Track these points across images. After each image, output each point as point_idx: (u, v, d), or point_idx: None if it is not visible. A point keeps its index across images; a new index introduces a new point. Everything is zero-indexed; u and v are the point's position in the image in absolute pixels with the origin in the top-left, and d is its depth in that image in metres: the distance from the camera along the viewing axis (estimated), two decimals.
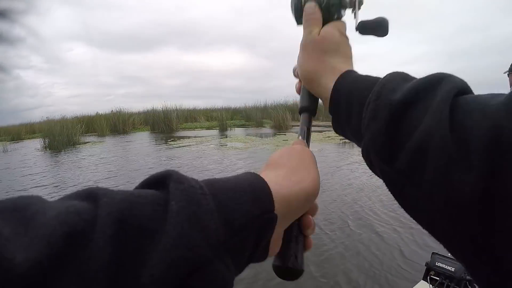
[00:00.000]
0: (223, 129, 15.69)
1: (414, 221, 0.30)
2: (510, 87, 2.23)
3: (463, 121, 0.25)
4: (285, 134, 12.18)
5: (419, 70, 39.04)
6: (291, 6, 0.50)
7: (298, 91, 0.49)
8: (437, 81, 0.30)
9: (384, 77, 0.35)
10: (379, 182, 0.34)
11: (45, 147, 11.62)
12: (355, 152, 7.16)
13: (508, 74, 2.25)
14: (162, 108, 17.16)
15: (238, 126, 18.13)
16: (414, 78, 0.34)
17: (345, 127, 0.38)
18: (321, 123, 19.96)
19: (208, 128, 17.58)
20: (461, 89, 0.28)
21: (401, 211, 0.30)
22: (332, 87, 0.40)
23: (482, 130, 0.23)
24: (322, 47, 0.44)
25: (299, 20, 0.49)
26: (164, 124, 16.49)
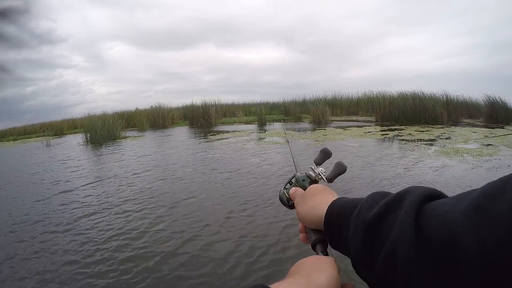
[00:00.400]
0: (262, 124, 15.58)
1: None
2: None
3: (425, 228, 0.30)
4: (324, 129, 11.79)
5: (459, 63, 36.36)
6: (281, 201, 0.68)
7: (303, 230, 0.58)
8: (404, 194, 0.35)
9: (365, 198, 0.42)
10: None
11: (87, 141, 12.25)
12: (394, 148, 6.70)
13: None
14: (201, 103, 17.32)
15: (277, 121, 17.94)
16: (391, 193, 0.39)
17: (339, 243, 0.45)
18: (360, 118, 19.34)
19: (247, 122, 17.60)
20: (428, 196, 0.33)
21: None
22: (325, 214, 0.48)
23: (440, 237, 0.28)
24: (312, 193, 0.55)
25: (291, 207, 0.65)
26: (203, 119, 16.75)
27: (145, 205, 3.79)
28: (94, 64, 45.56)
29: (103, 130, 12.23)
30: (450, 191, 3.69)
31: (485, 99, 16.88)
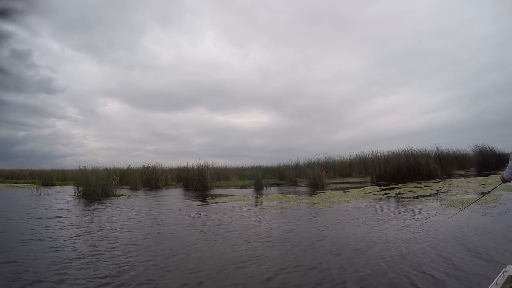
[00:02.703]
0: (258, 188, 15.74)
1: None
2: None
3: None
4: (324, 192, 12.06)
5: (442, 117, 38.74)
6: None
7: None
8: None
9: None
10: None
11: (79, 195, 11.94)
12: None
13: None
14: (196, 166, 17.59)
15: (272, 185, 18.20)
16: None
17: None
18: (354, 179, 19.83)
19: (242, 186, 17.77)
20: None
21: None
22: None
23: None
24: None
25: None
26: (199, 182, 16.87)
27: None
28: (88, 118, 45.77)
29: (97, 186, 11.95)
30: (471, 237, 3.95)
31: (474, 149, 18.00)
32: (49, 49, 39.37)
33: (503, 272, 2.30)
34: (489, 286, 2.15)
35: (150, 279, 3.24)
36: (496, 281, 2.18)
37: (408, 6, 40.17)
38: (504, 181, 2.64)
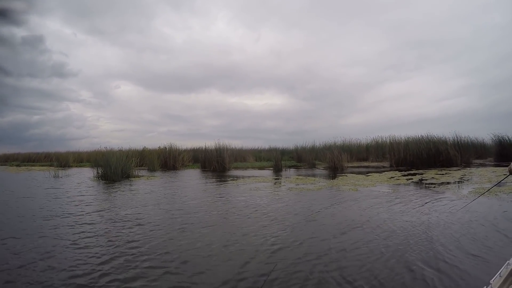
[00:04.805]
0: (278, 169, 16.31)
1: None
2: None
3: None
4: (346, 175, 12.56)
5: (456, 105, 38.63)
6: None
7: None
8: None
9: None
10: None
11: (99, 177, 12.37)
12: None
13: None
14: (215, 147, 18.11)
15: (290, 167, 18.77)
16: None
17: None
18: (372, 164, 20.29)
19: (260, 168, 18.39)
20: None
21: None
22: None
23: None
24: None
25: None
26: (217, 163, 17.47)
27: None
28: (101, 101, 46.72)
29: (117, 167, 12.26)
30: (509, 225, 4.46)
31: (493, 138, 18.26)
32: (61, 34, 40.20)
33: (507, 265, 2.32)
34: (492, 278, 2.18)
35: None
36: (499, 273, 2.21)
37: None
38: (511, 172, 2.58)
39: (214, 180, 12.26)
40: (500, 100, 36.68)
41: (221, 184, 10.77)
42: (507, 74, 35.84)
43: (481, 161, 18.41)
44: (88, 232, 4.67)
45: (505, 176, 2.80)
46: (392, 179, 11.00)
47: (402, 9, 39.74)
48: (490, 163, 16.96)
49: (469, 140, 19.07)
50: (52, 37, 41.92)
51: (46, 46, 39.16)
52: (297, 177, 12.59)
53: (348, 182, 10.22)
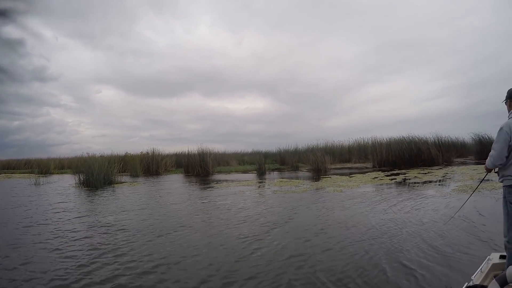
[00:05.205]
0: (261, 173, 16.12)
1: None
2: (508, 113, 2.50)
3: None
4: (330, 177, 12.46)
5: (438, 106, 39.64)
6: None
7: None
8: None
9: None
10: None
11: (80, 184, 11.94)
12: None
13: (505, 103, 2.54)
14: (198, 151, 17.80)
15: (273, 170, 18.61)
16: None
17: None
18: (355, 165, 20.35)
19: (244, 171, 18.14)
20: None
21: None
22: None
23: None
24: None
25: None
26: (200, 167, 17.14)
27: None
28: (82, 106, 45.50)
29: (100, 173, 11.94)
30: (493, 220, 4.38)
31: (473, 137, 18.66)
32: (42, 37, 38.53)
33: (487, 260, 2.39)
34: (474, 274, 2.23)
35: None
36: (481, 269, 2.27)
37: None
38: (488, 170, 2.63)
39: (198, 184, 11.96)
40: (478, 101, 37.83)
41: (205, 188, 10.48)
42: (485, 76, 37.06)
43: (462, 160, 18.77)
44: (70, 238, 4.57)
45: (486, 174, 2.74)
46: (376, 179, 10.97)
47: (383, 13, 40.62)
48: (471, 161, 17.29)
49: (449, 139, 19.46)
50: (33, 40, 40.46)
51: (26, 49, 37.80)
52: (281, 180, 12.38)
53: (333, 184, 10.11)
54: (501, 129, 2.43)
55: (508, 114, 2.53)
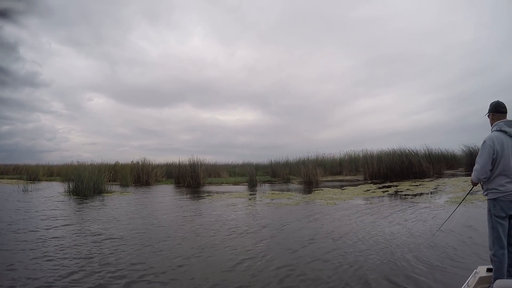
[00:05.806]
0: (252, 185, 15.96)
1: None
2: (491, 127, 2.53)
3: None
4: (322, 189, 12.42)
5: (426, 118, 40.37)
6: None
7: None
8: None
9: None
10: None
11: (69, 192, 11.66)
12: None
13: (488, 115, 2.59)
14: (189, 162, 17.61)
15: (264, 182, 18.47)
16: None
17: None
18: (346, 177, 20.37)
19: (235, 183, 17.95)
20: None
21: None
22: None
23: None
24: None
25: None
26: (191, 178, 16.94)
27: None
28: (73, 113, 44.74)
29: (90, 182, 11.72)
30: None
31: (463, 149, 18.89)
32: (35, 43, 38.52)
33: (474, 273, 2.38)
34: (460, 287, 2.21)
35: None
36: (467, 283, 2.25)
37: (393, 10, 41.23)
38: (474, 184, 2.66)
39: (188, 195, 11.78)
40: (467, 113, 38.45)
41: (196, 199, 10.31)
42: (473, 88, 37.79)
43: (452, 171, 18.97)
44: (57, 245, 4.55)
45: (472, 187, 2.75)
46: (368, 191, 10.96)
47: (373, 27, 41.38)
48: (461, 173, 17.48)
49: (440, 151, 19.67)
50: (26, 45, 40.14)
51: (19, 54, 37.45)
52: (272, 192, 12.27)
53: (325, 196, 10.05)
54: (484, 142, 2.45)
55: (490, 128, 2.56)
